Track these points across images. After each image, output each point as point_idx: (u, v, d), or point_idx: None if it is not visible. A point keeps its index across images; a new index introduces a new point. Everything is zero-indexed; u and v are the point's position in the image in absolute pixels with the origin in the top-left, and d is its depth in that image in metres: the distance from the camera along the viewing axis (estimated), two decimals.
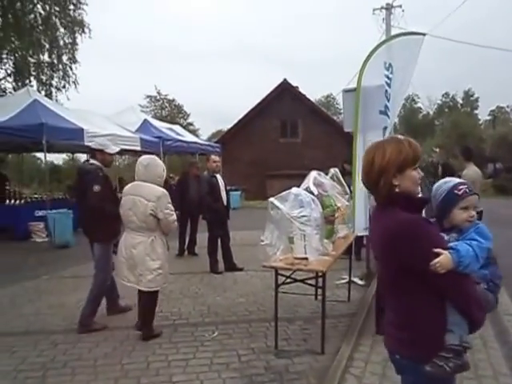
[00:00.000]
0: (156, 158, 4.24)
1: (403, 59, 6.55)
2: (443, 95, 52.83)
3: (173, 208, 4.07)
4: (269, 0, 75.37)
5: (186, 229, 8.61)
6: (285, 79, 25.42)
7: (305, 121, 25.28)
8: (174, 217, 4.06)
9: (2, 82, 15.80)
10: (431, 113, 53.36)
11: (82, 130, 10.53)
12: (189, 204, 8.39)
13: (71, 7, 16.42)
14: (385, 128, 6.39)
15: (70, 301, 5.53)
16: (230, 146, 23.66)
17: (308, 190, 4.19)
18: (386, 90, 6.29)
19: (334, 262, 3.68)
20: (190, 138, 16.87)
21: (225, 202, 7.16)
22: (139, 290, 4.14)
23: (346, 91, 6.69)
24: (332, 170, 5.33)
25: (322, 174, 4.74)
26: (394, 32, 16.23)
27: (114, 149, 4.79)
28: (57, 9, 16.09)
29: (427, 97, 51.40)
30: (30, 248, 9.83)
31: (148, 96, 40.21)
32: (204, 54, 68.42)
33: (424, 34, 6.70)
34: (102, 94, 47.81)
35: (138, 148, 12.68)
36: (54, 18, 16.20)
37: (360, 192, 5.84)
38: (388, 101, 6.40)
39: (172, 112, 40.91)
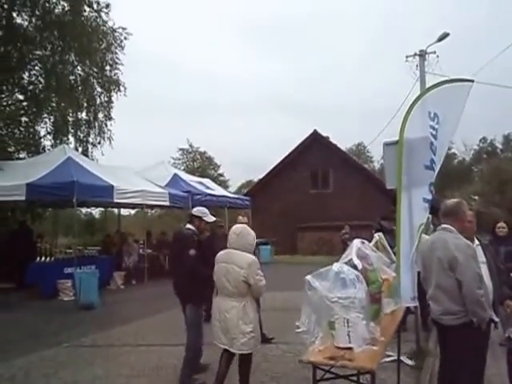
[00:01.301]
0: (247, 227, 4.47)
1: (449, 108, 6.08)
2: (480, 140, 51.41)
3: (262, 274, 4.25)
4: (295, 50, 77.61)
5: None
6: (315, 130, 25.45)
7: (336, 171, 24.94)
8: (264, 282, 4.24)
9: (42, 139, 16.44)
10: (467, 159, 51.95)
11: (112, 187, 10.56)
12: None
13: (108, 68, 17.15)
14: (431, 184, 5.89)
15: (85, 378, 5.06)
16: (259, 198, 23.46)
17: (351, 263, 3.72)
18: (432, 143, 5.79)
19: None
20: (219, 191, 16.83)
21: None
22: (225, 353, 4.27)
23: (387, 144, 6.18)
24: (376, 236, 4.82)
25: (365, 242, 4.27)
26: (428, 79, 15.92)
27: (211, 218, 5.19)
28: (95, 70, 16.83)
29: (462, 142, 49.86)
30: (55, 308, 9.60)
31: (180, 149, 41.31)
32: (235, 106, 70.42)
33: (472, 81, 6.22)
34: (135, 148, 49.33)
35: (167, 203, 12.64)
36: (92, 78, 16.94)
37: (406, 256, 5.29)
38: (434, 154, 5.89)
39: (203, 164, 41.62)
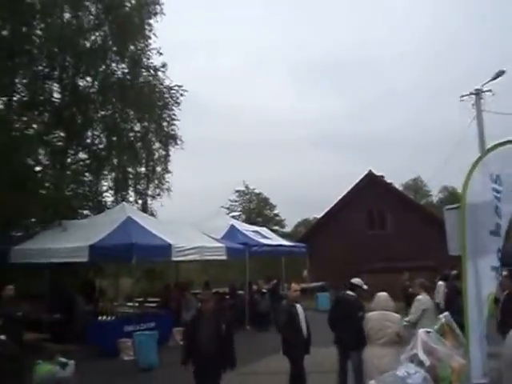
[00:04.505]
0: (385, 294, 6.04)
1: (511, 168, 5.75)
2: None
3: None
4: (346, 87, 77.72)
5: None
6: (370, 170, 25.17)
7: (393, 211, 24.28)
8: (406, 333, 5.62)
9: (104, 195, 17.29)
10: None
11: (170, 245, 10.78)
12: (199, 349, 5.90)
13: (165, 124, 17.84)
14: (498, 251, 5.47)
15: None
16: (316, 241, 23.13)
17: (417, 359, 3.45)
18: (497, 206, 5.43)
19: None
20: (275, 240, 16.78)
21: (305, 335, 6.59)
22: None
23: (448, 209, 5.93)
24: (442, 319, 4.49)
25: (431, 332, 3.97)
26: (485, 117, 15.29)
27: (366, 287, 6.81)
28: (153, 126, 17.69)
29: None
30: (115, 369, 9.65)
31: (237, 191, 42.01)
32: (287, 144, 70.95)
33: None
34: (194, 193, 50.37)
35: (224, 257, 12.74)
36: (150, 134, 17.78)
37: (474, 329, 4.84)
38: (500, 218, 5.51)
39: (259, 205, 41.97)
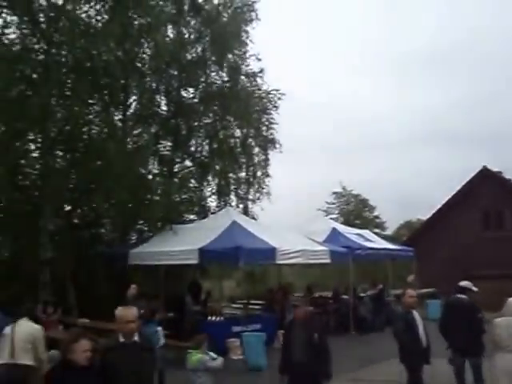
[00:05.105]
0: None
1: None
2: None
3: None
4: (448, 79, 72.31)
5: None
6: (484, 166, 23.04)
7: None
8: None
9: (207, 200, 18.05)
10: None
11: (274, 249, 10.89)
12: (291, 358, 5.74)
13: (264, 128, 18.18)
14: None
15: None
16: (422, 243, 21.75)
17: None
18: None
19: None
20: (379, 243, 16.14)
21: (424, 343, 6.21)
22: None
23: None
24: None
25: None
26: None
27: (475, 288, 6.74)
28: (252, 131, 18.09)
29: None
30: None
31: (334, 193, 41.15)
32: (386, 143, 68.03)
33: None
34: (291, 196, 50.44)
35: (328, 261, 12.58)
36: (249, 139, 18.17)
37: None
38: None
39: (357, 206, 40.71)
